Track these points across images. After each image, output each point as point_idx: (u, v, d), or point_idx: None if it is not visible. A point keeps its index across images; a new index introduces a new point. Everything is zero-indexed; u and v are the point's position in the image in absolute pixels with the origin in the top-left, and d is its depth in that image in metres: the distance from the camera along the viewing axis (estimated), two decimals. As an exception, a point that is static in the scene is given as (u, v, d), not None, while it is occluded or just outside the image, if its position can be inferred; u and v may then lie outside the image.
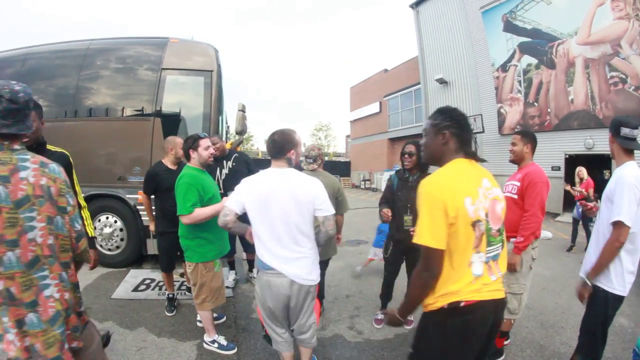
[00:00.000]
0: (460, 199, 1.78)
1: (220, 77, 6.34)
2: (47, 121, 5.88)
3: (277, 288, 2.56)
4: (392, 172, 4.34)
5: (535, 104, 15.66)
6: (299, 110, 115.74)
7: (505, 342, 3.67)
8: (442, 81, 20.33)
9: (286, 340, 2.81)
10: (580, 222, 8.04)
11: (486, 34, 17.63)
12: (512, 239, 3.37)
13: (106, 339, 2.29)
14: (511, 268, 3.30)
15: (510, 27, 16.47)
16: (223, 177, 4.96)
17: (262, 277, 2.63)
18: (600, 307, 2.63)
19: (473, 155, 2.00)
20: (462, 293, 1.80)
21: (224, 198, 3.45)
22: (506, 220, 3.18)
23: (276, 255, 2.55)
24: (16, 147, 1.82)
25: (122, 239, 6.09)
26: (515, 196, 3.42)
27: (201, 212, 3.34)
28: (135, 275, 5.68)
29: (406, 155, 3.91)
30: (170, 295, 4.58)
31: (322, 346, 3.75)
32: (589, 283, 2.64)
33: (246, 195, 2.60)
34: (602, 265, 2.56)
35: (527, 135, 3.58)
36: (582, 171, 8.16)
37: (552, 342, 3.96)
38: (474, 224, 1.80)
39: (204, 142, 3.60)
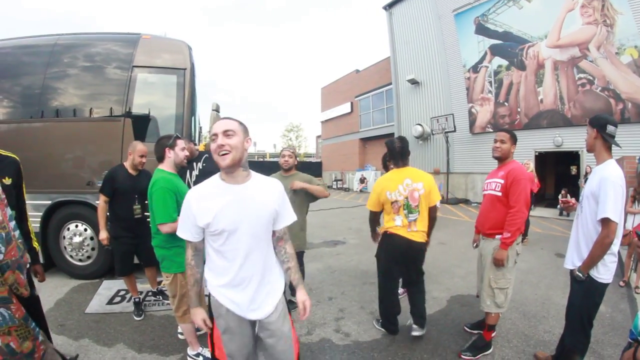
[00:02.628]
0: (383, 191, 3.76)
1: (193, 76, 6.08)
2: (10, 123, 5.80)
3: None
4: (365, 172, 4.84)
5: (506, 103, 16.23)
6: (269, 111, 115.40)
7: (493, 335, 3.79)
8: (413, 81, 20.77)
9: None
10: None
11: (458, 36, 18.11)
12: (497, 236, 3.51)
13: None
14: (498, 263, 3.46)
15: (482, 30, 16.99)
16: (194, 178, 4.85)
17: None
18: (591, 295, 2.82)
19: (403, 165, 3.87)
20: (390, 228, 3.78)
21: None
22: (490, 217, 3.64)
23: None
24: None
25: (93, 248, 5.73)
26: (499, 193, 3.53)
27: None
28: (108, 287, 5.37)
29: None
30: (137, 299, 4.48)
31: (310, 351, 3.72)
32: (581, 275, 2.81)
33: None
34: (594, 260, 2.73)
35: (514, 136, 3.65)
36: (527, 164, 8.39)
37: (536, 331, 4.16)
38: (392, 202, 3.73)
39: (181, 143, 3.49)
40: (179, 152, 3.44)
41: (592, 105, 13.16)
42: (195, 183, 4.68)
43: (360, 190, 24.91)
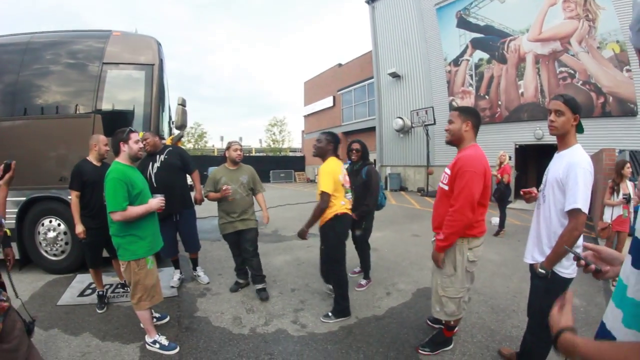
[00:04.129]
0: (337, 175, 3.95)
1: (162, 71, 6.12)
2: None
3: None
4: (347, 165, 4.98)
5: (486, 96, 16.13)
6: (254, 106, 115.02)
7: (455, 331, 3.56)
8: (395, 75, 20.62)
9: None
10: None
11: (440, 29, 17.97)
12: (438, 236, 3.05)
13: (31, 326, 2.07)
14: (435, 264, 3.09)
15: (463, 24, 16.86)
16: (155, 170, 4.74)
17: None
18: (554, 292, 2.39)
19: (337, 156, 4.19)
20: (339, 209, 3.96)
21: (154, 196, 3.50)
22: (437, 213, 3.17)
23: None
24: None
25: (66, 243, 5.75)
26: (446, 187, 3.02)
27: (133, 211, 3.27)
28: (81, 280, 5.39)
29: (354, 151, 5.10)
30: (100, 293, 4.52)
31: (265, 342, 3.62)
32: (543, 272, 2.48)
33: None
34: (559, 256, 2.41)
35: (467, 111, 3.07)
36: (503, 156, 8.50)
37: (504, 326, 3.92)
38: (342, 185, 4.01)
39: (135, 136, 3.53)
40: (132, 145, 3.47)
41: (573, 99, 13.05)
42: (156, 175, 4.77)
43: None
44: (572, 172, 2.32)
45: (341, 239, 4.05)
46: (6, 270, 2.36)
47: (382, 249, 6.99)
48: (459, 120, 3.00)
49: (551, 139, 13.47)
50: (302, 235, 4.09)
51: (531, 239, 2.70)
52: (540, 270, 2.50)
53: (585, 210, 2.29)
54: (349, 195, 4.21)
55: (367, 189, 4.82)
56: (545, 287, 2.53)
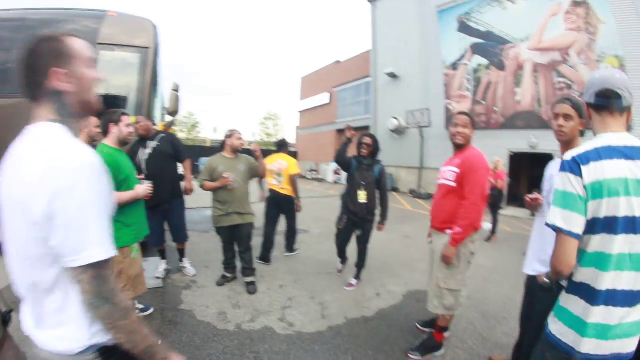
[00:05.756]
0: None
1: (157, 56, 6.11)
2: None
3: None
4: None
5: (483, 102, 16.15)
6: (247, 98, 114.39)
7: (446, 335, 3.49)
8: (392, 75, 20.58)
9: None
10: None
11: (440, 32, 17.93)
12: (448, 230, 3.11)
13: (7, 316, 1.93)
14: (446, 261, 3.09)
15: (464, 28, 16.85)
16: (145, 156, 4.56)
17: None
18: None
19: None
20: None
21: (141, 183, 3.41)
22: (442, 210, 3.21)
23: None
24: None
25: None
26: (454, 184, 3.14)
27: (119, 197, 3.11)
28: None
29: (364, 145, 4.74)
30: None
31: (250, 339, 3.51)
32: (548, 281, 2.35)
33: None
34: None
35: (473, 120, 3.28)
36: (498, 162, 8.53)
37: (494, 333, 3.85)
38: (271, 171, 5.74)
39: (126, 119, 3.46)
40: (123, 128, 3.41)
41: (569, 110, 13.09)
42: (148, 162, 4.59)
43: (335, 182, 24.51)
44: None
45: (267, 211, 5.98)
46: None
47: (372, 249, 6.84)
48: (470, 127, 3.19)
49: (545, 148, 13.60)
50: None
51: (532, 249, 2.59)
52: (545, 280, 2.38)
53: None
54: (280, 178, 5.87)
55: (378, 187, 4.78)
56: (553, 297, 2.40)
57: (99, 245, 1.05)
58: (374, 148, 4.77)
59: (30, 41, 1.12)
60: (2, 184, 1.10)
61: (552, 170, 2.50)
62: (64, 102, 1.15)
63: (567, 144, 2.34)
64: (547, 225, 1.58)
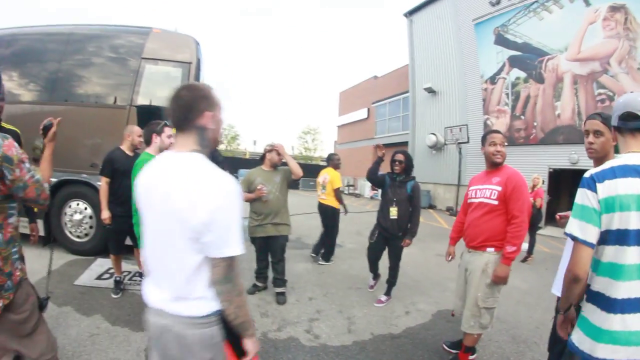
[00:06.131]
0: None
1: (198, 70, 6.41)
2: (28, 104, 6.24)
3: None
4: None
5: (522, 117, 15.75)
6: (287, 112, 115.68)
7: (471, 357, 3.47)
8: (430, 90, 20.37)
9: None
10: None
11: (477, 45, 17.70)
12: (490, 249, 3.15)
13: (44, 302, 2.17)
14: (501, 281, 3.10)
15: (501, 40, 16.56)
16: None
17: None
18: None
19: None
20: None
21: None
22: (483, 229, 3.21)
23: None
24: None
25: (91, 227, 6.02)
26: (496, 202, 3.15)
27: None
28: (101, 264, 5.60)
29: (396, 162, 4.80)
30: (118, 278, 4.70)
31: (275, 348, 3.61)
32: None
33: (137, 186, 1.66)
34: None
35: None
36: (537, 179, 8.39)
37: (523, 358, 3.78)
38: (317, 183, 6.91)
39: (169, 130, 3.62)
40: (165, 138, 3.59)
41: (611, 123, 12.62)
42: None
43: (371, 197, 24.44)
44: None
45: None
46: (49, 247, 2.45)
47: (404, 267, 6.85)
48: (504, 145, 3.29)
49: (586, 164, 13.03)
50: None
51: (562, 269, 2.47)
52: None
53: None
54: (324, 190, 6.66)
55: (410, 204, 4.81)
56: None
57: (237, 244, 1.46)
58: (406, 165, 4.83)
59: (187, 87, 1.61)
60: (155, 194, 1.51)
61: None
62: (204, 137, 1.55)
63: (599, 160, 2.21)
64: (566, 234, 1.76)
